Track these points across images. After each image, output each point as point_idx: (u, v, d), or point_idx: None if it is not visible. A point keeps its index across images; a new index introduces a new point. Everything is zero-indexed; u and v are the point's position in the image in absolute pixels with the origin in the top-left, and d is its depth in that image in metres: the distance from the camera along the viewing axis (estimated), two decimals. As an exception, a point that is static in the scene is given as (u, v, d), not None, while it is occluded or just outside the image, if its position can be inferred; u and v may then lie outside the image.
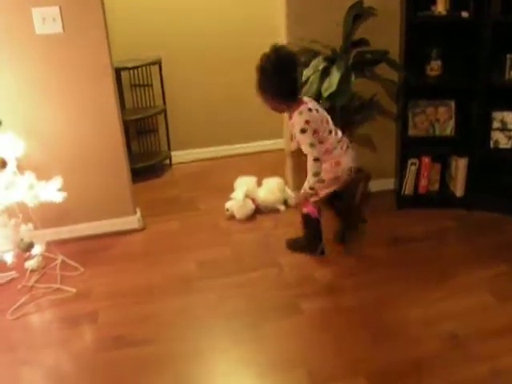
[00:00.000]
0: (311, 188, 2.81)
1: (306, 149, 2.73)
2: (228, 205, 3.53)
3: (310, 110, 2.71)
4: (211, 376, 2.21)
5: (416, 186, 3.54)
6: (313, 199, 2.89)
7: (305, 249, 3.04)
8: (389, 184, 3.76)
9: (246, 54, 4.46)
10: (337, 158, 2.83)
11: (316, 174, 2.76)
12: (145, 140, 4.55)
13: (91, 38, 3.04)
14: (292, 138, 3.04)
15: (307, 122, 2.68)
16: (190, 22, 4.34)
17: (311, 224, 3.00)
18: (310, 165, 2.75)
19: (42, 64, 3.03)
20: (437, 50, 3.30)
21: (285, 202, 3.58)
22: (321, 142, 2.76)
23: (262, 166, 3.28)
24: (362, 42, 3.20)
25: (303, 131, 2.69)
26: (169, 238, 3.34)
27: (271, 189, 3.57)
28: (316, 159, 2.74)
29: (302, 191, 2.88)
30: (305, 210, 2.95)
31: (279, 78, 2.65)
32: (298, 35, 3.26)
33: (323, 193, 2.88)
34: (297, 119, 2.70)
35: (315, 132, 2.71)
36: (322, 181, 2.81)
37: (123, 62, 4.03)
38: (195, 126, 4.58)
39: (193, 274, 2.92)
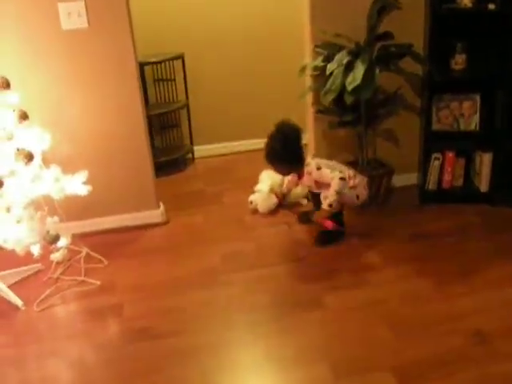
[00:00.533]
0: (330, 205, 2.96)
1: (330, 176, 2.98)
2: (252, 197, 3.54)
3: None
4: (235, 368, 2.21)
5: (440, 180, 3.51)
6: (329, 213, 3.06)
7: (333, 240, 3.08)
8: (412, 179, 3.73)
9: (270, 48, 4.49)
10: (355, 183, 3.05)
11: (339, 192, 2.96)
12: (168, 134, 4.58)
13: (116, 32, 3.06)
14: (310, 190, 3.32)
15: (317, 164, 3.06)
16: (213, 17, 4.35)
17: (338, 215, 3.10)
18: (335, 183, 2.95)
19: (67, 59, 3.06)
20: (462, 44, 3.26)
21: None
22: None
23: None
24: (387, 35, 3.17)
25: (319, 169, 3.04)
26: (192, 231, 3.36)
27: None
28: (342, 178, 2.97)
29: (325, 208, 3.01)
30: (325, 225, 3.08)
31: (288, 153, 3.04)
32: (322, 29, 3.25)
33: (337, 207, 3.05)
34: (309, 170, 3.08)
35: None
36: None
37: (146, 57, 4.06)
38: (218, 120, 4.59)
39: (217, 267, 2.94)
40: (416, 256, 2.92)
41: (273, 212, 3.51)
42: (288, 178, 3.37)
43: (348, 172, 3.04)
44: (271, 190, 3.52)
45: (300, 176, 3.18)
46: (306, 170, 3.09)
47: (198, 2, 4.31)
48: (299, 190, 3.53)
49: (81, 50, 3.06)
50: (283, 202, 3.55)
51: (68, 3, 2.94)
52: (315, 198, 3.22)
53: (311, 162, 3.09)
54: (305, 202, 3.57)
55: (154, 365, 2.26)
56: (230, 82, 4.52)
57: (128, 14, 3.05)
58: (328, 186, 3.01)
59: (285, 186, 3.47)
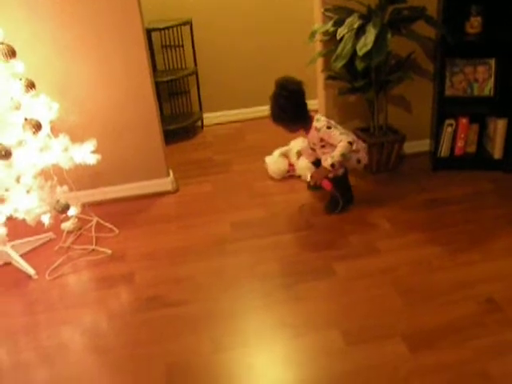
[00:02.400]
0: (332, 165, 2.93)
1: (338, 138, 2.95)
2: (267, 159, 3.55)
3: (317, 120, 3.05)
4: (246, 336, 2.22)
5: (452, 147, 3.46)
6: (330, 175, 3.01)
7: (342, 205, 3.06)
8: (424, 145, 3.69)
9: (278, 14, 4.42)
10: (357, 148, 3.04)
11: (344, 155, 2.93)
12: (176, 102, 4.54)
13: (122, -3, 3.01)
14: (308, 154, 3.30)
15: (328, 122, 3.02)
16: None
17: (342, 181, 3.07)
18: (343, 146, 2.92)
19: (73, 25, 3.01)
20: (477, 6, 3.17)
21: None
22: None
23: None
24: (399, -3, 3.10)
25: (329, 127, 2.99)
26: (202, 199, 3.36)
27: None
28: (350, 142, 2.94)
29: (324, 166, 2.98)
30: (323, 184, 3.05)
31: (294, 108, 2.99)
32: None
33: (340, 171, 3.03)
34: (318, 126, 3.02)
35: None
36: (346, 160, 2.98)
37: (154, 23, 4.00)
38: (227, 87, 4.55)
39: (227, 235, 2.94)
40: (427, 223, 2.90)
41: (283, 180, 3.49)
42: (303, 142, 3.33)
43: (353, 136, 3.01)
44: (283, 155, 3.49)
45: (306, 132, 3.12)
46: (314, 125, 3.03)
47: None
48: (304, 164, 3.47)
49: (87, 16, 3.01)
50: (293, 173, 3.52)
51: (73, -32, 2.89)
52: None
53: (321, 119, 3.05)
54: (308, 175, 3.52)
55: (165, 332, 2.27)
56: (238, 48, 4.46)
57: (135, -21, 3.00)
58: (332, 146, 3.00)
59: (300, 147, 3.41)
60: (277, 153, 3.55)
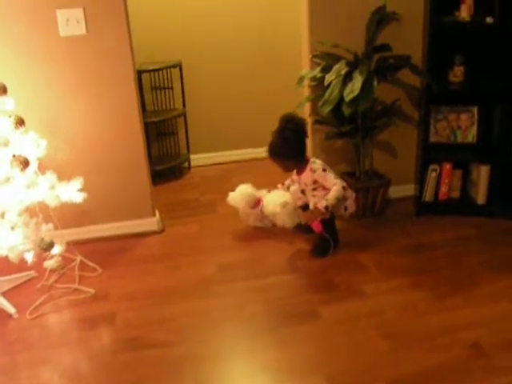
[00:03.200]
0: (326, 207, 2.95)
1: (333, 181, 3.00)
2: (231, 194, 3.50)
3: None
4: (231, 380, 2.20)
5: (436, 192, 3.50)
6: (319, 218, 3.03)
7: (329, 250, 3.06)
8: (409, 190, 3.73)
9: (267, 58, 4.50)
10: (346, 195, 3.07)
11: (338, 199, 2.97)
12: (164, 142, 4.57)
13: (114, 39, 3.05)
14: (297, 197, 3.27)
15: (323, 165, 3.07)
16: (210, 26, 4.36)
17: (329, 224, 3.08)
18: (337, 189, 2.97)
19: (65, 65, 3.05)
20: (460, 56, 3.26)
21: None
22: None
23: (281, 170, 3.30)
24: (384, 47, 3.19)
25: (324, 170, 3.04)
26: (188, 240, 3.34)
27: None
28: (344, 187, 3.00)
29: (318, 207, 2.98)
30: (314, 226, 3.06)
31: (298, 143, 3.05)
32: (320, 39, 3.25)
33: (327, 215, 3.02)
34: (313, 167, 3.06)
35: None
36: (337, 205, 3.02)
37: (144, 65, 4.05)
38: (214, 129, 4.59)
39: (213, 277, 2.92)
40: (412, 268, 2.91)
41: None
42: (292, 177, 3.30)
43: (344, 183, 3.04)
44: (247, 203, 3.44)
45: (300, 173, 3.14)
46: (310, 166, 3.06)
47: (196, 12, 4.31)
48: (271, 198, 3.39)
49: (79, 56, 3.05)
50: (258, 208, 3.42)
51: (66, 10, 2.93)
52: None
53: (317, 161, 3.09)
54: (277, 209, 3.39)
55: (147, 375, 2.23)
56: (227, 91, 4.52)
57: (127, 22, 3.05)
58: (324, 189, 3.03)
59: (288, 181, 3.37)
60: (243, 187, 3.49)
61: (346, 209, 3.08)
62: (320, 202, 2.98)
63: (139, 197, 3.39)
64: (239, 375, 2.22)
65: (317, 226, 3.04)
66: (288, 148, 3.02)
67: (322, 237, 3.06)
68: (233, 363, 2.28)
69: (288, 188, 3.40)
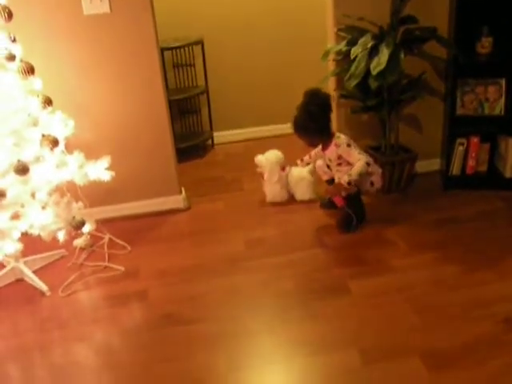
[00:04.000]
0: (349, 183, 2.94)
1: (357, 157, 2.98)
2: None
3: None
4: (262, 354, 2.21)
5: (464, 166, 3.46)
6: (343, 193, 3.03)
7: (357, 224, 3.07)
8: (435, 165, 3.70)
9: (289, 33, 4.45)
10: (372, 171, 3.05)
11: (361, 174, 2.96)
12: (187, 120, 4.56)
13: (138, 17, 3.04)
14: (323, 172, 3.31)
15: (348, 140, 3.04)
16: (232, 2, 4.31)
17: (355, 200, 3.07)
18: (360, 165, 2.95)
19: (89, 44, 3.05)
20: (487, 27, 3.20)
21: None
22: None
23: (304, 146, 3.28)
24: (410, 18, 3.12)
25: (349, 145, 3.02)
26: (214, 217, 3.36)
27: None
28: (368, 163, 2.97)
29: (341, 182, 2.99)
30: (336, 200, 3.09)
31: (323, 117, 3.01)
32: (345, 13, 3.20)
33: (353, 190, 3.02)
34: (338, 142, 3.03)
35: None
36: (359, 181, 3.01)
37: (166, 42, 4.03)
38: (237, 106, 4.57)
39: (240, 253, 2.93)
40: (441, 242, 2.89)
41: (293, 199, 3.49)
42: (315, 151, 3.31)
43: (369, 158, 3.02)
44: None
45: (324, 148, 3.12)
46: (334, 141, 3.04)
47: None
48: (296, 173, 3.45)
49: (103, 35, 3.04)
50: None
51: (90, -12, 2.93)
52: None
53: (341, 136, 3.06)
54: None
55: (179, 350, 2.26)
56: (249, 67, 4.49)
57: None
58: (348, 165, 3.01)
59: (307, 157, 3.39)
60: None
61: (372, 184, 3.06)
62: (343, 177, 2.97)
63: (165, 175, 3.40)
64: (271, 350, 2.23)
65: (339, 201, 3.05)
66: (312, 123, 3.00)
67: (344, 211, 3.06)
68: (264, 339, 2.30)
69: (307, 164, 3.40)
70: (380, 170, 3.09)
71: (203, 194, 3.67)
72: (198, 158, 4.37)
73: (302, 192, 3.43)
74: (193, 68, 4.38)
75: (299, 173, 3.43)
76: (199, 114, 4.55)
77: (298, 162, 3.44)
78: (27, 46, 2.61)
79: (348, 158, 3.02)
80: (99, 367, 2.23)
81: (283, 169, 3.44)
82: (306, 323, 2.35)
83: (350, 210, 3.04)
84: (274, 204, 3.44)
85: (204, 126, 4.58)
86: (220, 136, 4.61)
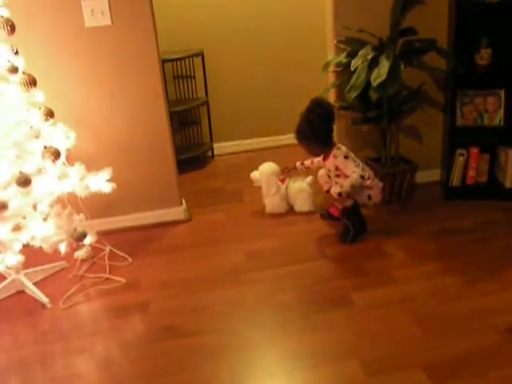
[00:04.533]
0: (340, 194, 2.96)
1: (352, 170, 2.97)
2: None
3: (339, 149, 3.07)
4: (265, 367, 2.20)
5: (464, 177, 3.47)
6: (339, 206, 3.06)
7: (356, 235, 3.07)
8: (435, 175, 3.71)
9: (289, 45, 4.48)
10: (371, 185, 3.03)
11: (353, 187, 2.95)
12: (187, 132, 4.58)
13: (139, 30, 3.06)
14: (324, 182, 3.31)
15: (347, 152, 3.03)
16: (232, 14, 4.36)
17: (353, 212, 3.07)
18: (353, 178, 2.95)
19: (91, 56, 3.06)
20: (486, 38, 3.22)
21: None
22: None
23: (305, 158, 3.30)
24: (410, 30, 3.16)
25: (346, 157, 3.01)
26: (215, 229, 3.36)
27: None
28: (362, 176, 2.96)
29: (331, 194, 3.02)
30: (331, 210, 3.14)
31: (324, 127, 3.02)
32: (344, 25, 3.22)
33: (349, 202, 3.03)
34: (336, 154, 3.03)
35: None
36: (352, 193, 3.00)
37: (166, 54, 4.05)
38: (237, 117, 4.60)
39: (241, 265, 2.93)
40: (441, 253, 2.89)
41: (292, 211, 3.50)
42: (318, 158, 3.29)
43: (369, 173, 3.02)
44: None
45: (325, 158, 3.12)
46: (333, 152, 3.04)
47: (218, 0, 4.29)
48: (296, 186, 3.47)
49: (104, 47, 3.06)
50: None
51: (92, 1, 2.94)
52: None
53: (342, 147, 3.05)
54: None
55: (180, 363, 2.25)
56: (249, 79, 4.52)
57: (151, 12, 3.05)
58: (346, 177, 3.01)
59: (308, 161, 3.39)
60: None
61: (369, 197, 3.05)
62: (335, 188, 2.99)
63: (166, 186, 3.41)
64: (273, 362, 2.22)
65: (334, 211, 3.08)
66: (312, 131, 3.00)
67: (343, 223, 3.07)
68: (266, 351, 2.29)
69: (308, 168, 3.42)
70: (380, 185, 3.08)
71: (204, 205, 3.68)
72: (199, 170, 4.39)
73: (302, 203, 3.44)
74: (193, 80, 4.40)
75: (299, 184, 3.45)
76: (199, 125, 4.57)
77: (298, 163, 3.44)
78: (29, 59, 2.62)
79: (344, 170, 3.02)
80: (100, 380, 2.21)
81: (283, 180, 3.45)
82: (307, 335, 2.34)
83: (347, 222, 3.05)
84: (275, 215, 3.45)
85: (204, 137, 4.60)
86: (220, 147, 4.63)
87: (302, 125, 3.03)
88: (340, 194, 2.95)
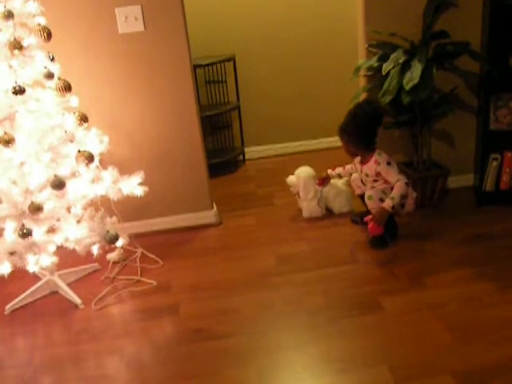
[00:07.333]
0: (393, 206, 2.90)
1: (396, 177, 2.95)
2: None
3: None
4: (293, 370, 2.20)
5: (497, 182, 3.42)
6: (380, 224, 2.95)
7: (388, 241, 3.03)
8: (468, 180, 3.66)
9: (321, 50, 4.48)
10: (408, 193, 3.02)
11: (403, 196, 2.94)
12: (219, 136, 4.61)
13: (172, 35, 3.10)
14: (356, 186, 3.29)
15: (389, 159, 3.01)
16: (264, 19, 4.37)
17: (388, 219, 2.98)
18: (401, 186, 2.93)
19: (124, 62, 3.12)
20: (521, 41, 3.18)
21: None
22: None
23: (336, 162, 3.29)
24: (442, 33, 3.12)
25: (389, 164, 2.99)
26: (246, 232, 3.37)
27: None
28: (407, 183, 2.95)
29: (385, 208, 2.92)
30: (375, 231, 2.95)
31: (368, 127, 2.99)
32: (375, 29, 3.21)
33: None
34: (379, 160, 3.01)
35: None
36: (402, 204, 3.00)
37: (198, 59, 4.09)
38: (269, 122, 4.61)
39: (272, 268, 2.94)
40: (474, 258, 2.85)
41: (324, 215, 3.49)
42: (350, 166, 3.30)
43: (406, 179, 2.99)
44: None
45: (364, 162, 3.09)
46: (374, 158, 3.01)
47: (250, 4, 4.32)
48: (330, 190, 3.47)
49: (137, 53, 3.11)
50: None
51: (125, 7, 3.00)
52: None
53: (383, 153, 3.03)
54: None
55: (210, 365, 2.26)
56: (281, 83, 4.53)
57: (183, 17, 3.09)
58: (385, 183, 3.00)
59: (347, 167, 3.36)
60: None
61: (403, 206, 3.01)
62: (386, 202, 2.92)
63: (197, 190, 3.44)
64: (301, 366, 2.22)
65: (373, 229, 2.92)
66: (355, 127, 2.98)
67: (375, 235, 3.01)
68: (295, 355, 2.29)
69: (339, 175, 3.41)
70: (414, 194, 3.06)
71: (234, 209, 3.70)
72: (230, 174, 4.42)
73: (341, 205, 3.44)
74: (224, 84, 4.43)
75: (336, 186, 3.45)
76: (231, 129, 4.60)
77: (329, 170, 3.43)
78: (65, 65, 2.68)
79: (386, 177, 2.99)
80: (130, 381, 2.25)
81: (321, 183, 3.44)
82: (336, 339, 2.34)
83: (385, 234, 3.00)
84: (306, 219, 3.45)
85: (235, 141, 4.63)
86: (251, 152, 4.65)
87: (346, 119, 3.02)
88: (393, 207, 2.91)
